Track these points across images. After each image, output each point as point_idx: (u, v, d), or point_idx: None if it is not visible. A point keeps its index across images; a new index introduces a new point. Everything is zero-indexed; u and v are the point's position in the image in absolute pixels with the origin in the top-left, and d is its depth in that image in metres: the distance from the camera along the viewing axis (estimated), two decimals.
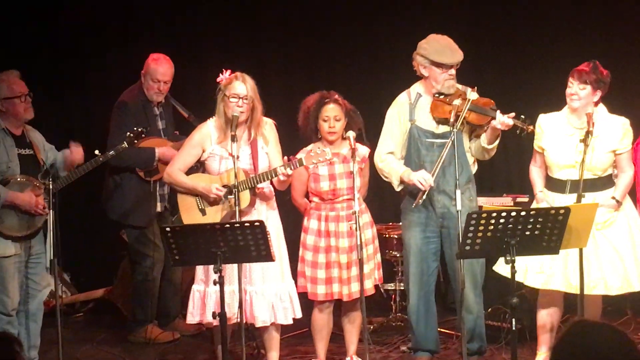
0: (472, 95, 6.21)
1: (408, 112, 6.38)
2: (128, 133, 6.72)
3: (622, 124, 6.33)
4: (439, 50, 6.24)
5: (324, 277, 6.40)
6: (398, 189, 6.37)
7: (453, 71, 6.27)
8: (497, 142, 6.27)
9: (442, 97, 6.27)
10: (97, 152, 6.60)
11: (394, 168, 6.34)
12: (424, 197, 6.16)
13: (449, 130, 6.20)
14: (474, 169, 6.45)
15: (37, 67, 8.33)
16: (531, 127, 6.14)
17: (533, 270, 6.26)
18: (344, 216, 6.40)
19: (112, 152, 6.71)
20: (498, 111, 6.16)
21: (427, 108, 6.33)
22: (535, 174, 6.47)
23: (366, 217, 6.46)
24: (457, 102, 6.19)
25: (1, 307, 6.36)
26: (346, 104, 6.43)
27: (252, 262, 5.85)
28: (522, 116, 6.13)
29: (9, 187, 6.28)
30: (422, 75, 6.35)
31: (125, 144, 6.72)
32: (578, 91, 6.21)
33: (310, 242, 6.45)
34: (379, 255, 6.62)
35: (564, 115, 6.36)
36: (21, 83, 6.43)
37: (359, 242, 6.01)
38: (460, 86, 6.32)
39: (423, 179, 6.14)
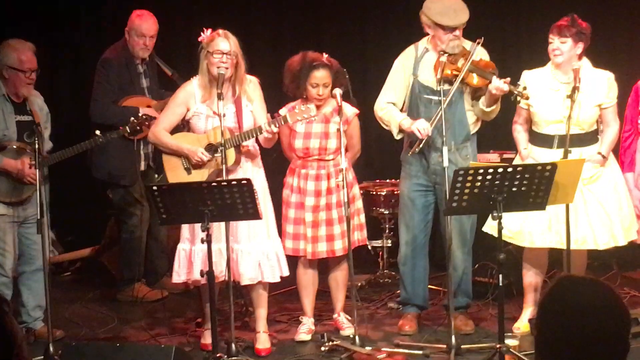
0: (477, 55, 6.17)
1: (412, 65, 6.35)
2: (132, 119, 6.79)
3: (607, 78, 6.33)
4: (441, 11, 6.17)
5: (292, 232, 6.44)
6: (397, 137, 6.39)
7: (458, 32, 6.21)
8: (495, 106, 6.26)
9: (447, 56, 6.22)
10: (97, 132, 6.61)
11: (393, 116, 6.34)
12: (421, 145, 6.16)
13: (448, 89, 6.18)
14: (474, 127, 6.42)
15: (28, 32, 8.29)
16: (527, 94, 6.11)
17: (517, 229, 6.28)
18: (313, 175, 6.43)
19: (114, 134, 6.77)
20: (495, 76, 6.13)
21: (431, 64, 6.29)
22: (519, 132, 6.45)
23: (335, 181, 6.41)
24: (443, 58, 6.15)
25: None
26: (334, 64, 6.41)
27: (239, 220, 5.86)
28: (519, 83, 6.11)
29: (4, 153, 6.26)
30: (427, 33, 6.31)
31: (128, 129, 6.75)
32: (560, 46, 6.20)
33: (285, 196, 6.52)
34: (362, 217, 6.61)
35: (548, 70, 6.35)
36: (32, 58, 6.35)
37: (345, 200, 6.03)
38: (468, 43, 6.26)
39: (422, 127, 6.13)
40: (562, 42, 6.20)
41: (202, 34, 6.17)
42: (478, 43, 6.18)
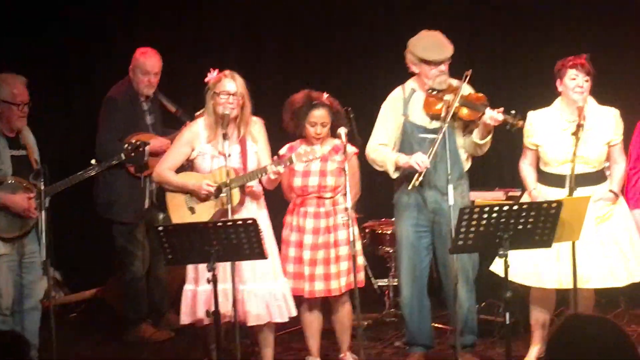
0: (465, 90, 6.22)
1: (402, 107, 6.39)
2: (126, 145, 6.74)
3: (614, 114, 6.34)
4: (426, 47, 6.25)
5: (292, 272, 6.42)
6: (394, 175, 6.38)
7: (443, 67, 6.27)
8: (489, 137, 6.28)
9: (435, 92, 6.27)
10: (93, 161, 6.62)
11: (387, 156, 6.35)
12: (421, 179, 6.17)
13: (441, 126, 6.20)
14: (467, 165, 6.45)
15: (41, 66, 8.37)
16: (521, 122, 6.12)
17: (526, 269, 6.26)
18: (312, 213, 6.42)
19: (108, 163, 6.74)
20: (488, 107, 6.17)
21: (420, 103, 6.34)
22: (528, 172, 6.44)
23: (341, 219, 6.39)
24: (448, 97, 6.20)
25: None
26: (333, 105, 6.43)
27: (245, 259, 5.84)
28: (513, 111, 6.13)
29: (1, 189, 6.26)
30: (413, 72, 6.36)
31: (122, 156, 6.74)
32: (584, 83, 6.21)
33: (284, 235, 6.51)
34: (360, 259, 6.53)
35: (555, 109, 6.35)
36: (24, 92, 6.38)
37: (352, 238, 6.03)
38: (454, 81, 6.31)
39: (420, 160, 6.15)
40: (586, 80, 6.21)
41: (208, 74, 6.20)
42: (466, 76, 6.20)
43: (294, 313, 6.34)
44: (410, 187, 6.24)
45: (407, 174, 6.29)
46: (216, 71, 6.21)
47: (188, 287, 6.27)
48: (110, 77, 8.28)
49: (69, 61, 8.90)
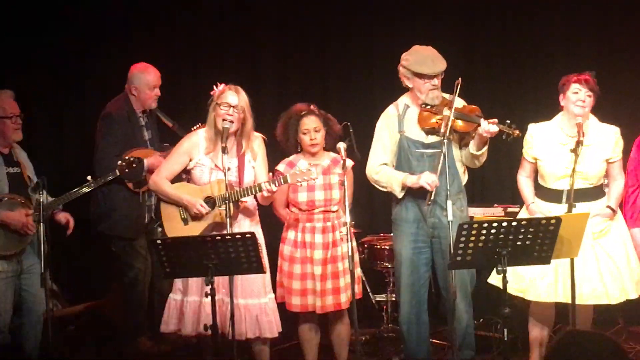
0: (458, 103, 6.23)
1: (397, 123, 6.40)
2: (120, 162, 6.78)
3: (614, 132, 6.36)
4: (419, 61, 6.27)
5: (299, 289, 6.42)
6: (400, 195, 6.37)
7: (436, 81, 6.29)
8: (485, 148, 6.30)
9: (428, 107, 6.29)
10: (89, 177, 6.65)
11: (392, 176, 6.35)
12: (433, 197, 6.17)
13: (438, 140, 6.22)
14: (464, 178, 6.47)
15: (33, 81, 8.37)
16: (517, 132, 6.15)
17: (523, 282, 6.27)
18: (320, 228, 6.42)
19: (103, 179, 6.80)
20: (482, 118, 6.19)
21: (415, 119, 6.35)
22: (526, 185, 6.47)
23: (339, 233, 6.42)
24: (446, 112, 6.21)
25: None
26: (323, 114, 6.46)
27: (243, 273, 5.85)
28: (508, 121, 6.15)
29: (0, 206, 6.27)
30: (407, 86, 6.37)
31: (117, 172, 6.76)
32: (586, 98, 6.24)
33: (286, 252, 6.48)
34: (359, 270, 6.57)
35: (556, 124, 6.37)
36: (14, 104, 6.41)
37: (350, 253, 6.03)
38: (446, 95, 6.33)
39: (430, 180, 6.15)
40: (589, 95, 6.25)
41: (215, 87, 6.23)
42: (457, 84, 6.20)
43: (279, 328, 6.32)
44: (426, 205, 6.25)
45: (413, 193, 6.29)
46: (222, 85, 6.24)
47: (173, 297, 6.30)
48: (109, 78, 8.31)
49: (68, 62, 8.89)
